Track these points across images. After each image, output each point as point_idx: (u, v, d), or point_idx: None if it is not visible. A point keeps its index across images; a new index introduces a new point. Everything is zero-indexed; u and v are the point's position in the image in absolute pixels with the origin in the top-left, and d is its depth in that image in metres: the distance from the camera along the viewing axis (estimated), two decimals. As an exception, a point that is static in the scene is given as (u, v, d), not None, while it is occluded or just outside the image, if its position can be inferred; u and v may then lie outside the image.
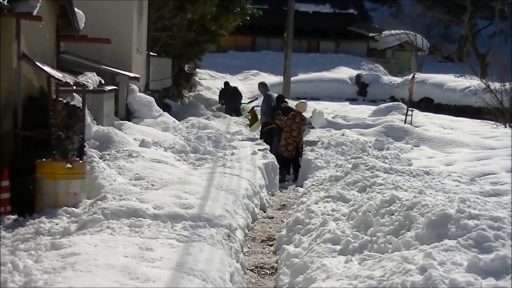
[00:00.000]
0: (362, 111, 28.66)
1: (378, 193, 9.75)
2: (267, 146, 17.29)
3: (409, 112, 23.00)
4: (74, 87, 12.03)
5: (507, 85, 25.39)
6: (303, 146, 16.93)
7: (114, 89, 16.33)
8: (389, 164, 13.36)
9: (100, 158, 11.86)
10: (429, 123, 24.12)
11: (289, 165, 16.58)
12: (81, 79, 12.44)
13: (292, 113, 16.71)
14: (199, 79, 39.13)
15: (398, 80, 40.60)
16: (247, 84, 40.78)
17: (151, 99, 19.69)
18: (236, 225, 9.36)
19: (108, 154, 12.73)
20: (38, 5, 10.20)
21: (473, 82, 30.07)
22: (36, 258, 6.70)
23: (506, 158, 13.93)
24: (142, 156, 12.80)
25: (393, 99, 34.39)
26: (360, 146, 17.04)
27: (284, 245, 8.73)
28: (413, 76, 25.28)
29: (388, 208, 8.11)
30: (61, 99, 12.05)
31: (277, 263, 8.68)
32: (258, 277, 8.37)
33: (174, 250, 7.16)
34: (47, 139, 10.56)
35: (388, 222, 7.65)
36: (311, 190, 12.02)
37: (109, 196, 9.33)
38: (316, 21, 53.66)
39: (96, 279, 5.88)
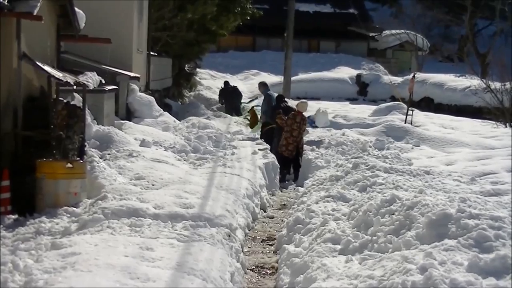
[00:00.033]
0: (363, 111, 28.64)
1: (379, 192, 9.75)
2: (268, 146, 17.29)
3: (410, 112, 22.99)
4: (75, 87, 12.04)
5: (508, 85, 25.38)
6: (304, 145, 16.93)
7: (115, 88, 16.34)
8: (390, 163, 13.36)
9: (100, 158, 11.86)
10: (429, 122, 24.10)
11: (290, 165, 16.58)
12: (82, 78, 12.44)
13: (292, 112, 16.71)
14: (200, 78, 39.13)
15: (398, 80, 40.59)
16: (248, 84, 40.78)
17: (152, 98, 19.70)
18: (237, 225, 9.36)
19: (109, 154, 12.73)
20: (39, 5, 10.20)
21: (474, 82, 30.06)
22: (36, 258, 6.70)
23: (507, 158, 13.92)
24: (142, 155, 12.81)
25: (393, 98, 34.36)
26: (360, 145, 17.04)
27: (285, 245, 8.73)
28: (414, 76, 25.29)
29: (388, 207, 8.11)
30: (62, 98, 12.05)
31: (277, 262, 8.68)
32: (259, 277, 8.37)
33: (174, 249, 7.16)
34: (47, 139, 10.56)
35: (389, 221, 7.65)
36: (311, 189, 12.02)
37: (110, 195, 9.34)
38: (317, 21, 53.67)
39: (96, 278, 5.88)
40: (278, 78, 36.02)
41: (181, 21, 26.26)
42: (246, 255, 9.09)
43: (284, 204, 13.28)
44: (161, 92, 26.18)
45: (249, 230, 10.49)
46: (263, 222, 11.52)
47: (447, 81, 37.31)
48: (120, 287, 5.78)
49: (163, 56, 27.00)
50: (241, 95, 31.87)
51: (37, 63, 10.77)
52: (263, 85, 20.66)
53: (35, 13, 10.06)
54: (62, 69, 12.48)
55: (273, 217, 11.98)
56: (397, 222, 7.48)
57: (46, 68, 10.95)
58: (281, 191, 14.90)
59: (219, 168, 13.03)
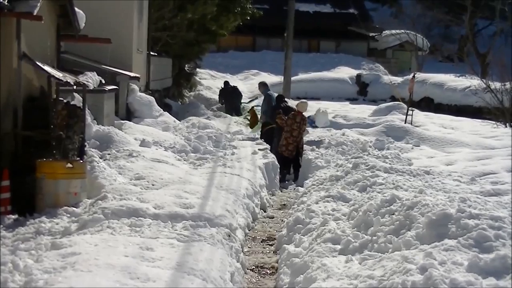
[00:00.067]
0: (363, 111, 28.64)
1: (379, 192, 9.75)
2: (268, 146, 17.30)
3: (410, 112, 23.00)
4: (75, 87, 12.04)
5: (508, 85, 25.38)
6: (304, 145, 16.93)
7: (115, 88, 16.34)
8: (390, 163, 13.36)
9: (100, 158, 11.86)
10: (429, 122, 24.10)
11: (290, 165, 16.58)
12: (82, 78, 12.44)
13: (292, 112, 16.71)
14: (200, 78, 39.14)
15: (398, 79, 40.60)
16: (248, 84, 40.78)
17: (152, 98, 19.70)
18: (237, 225, 9.36)
19: (109, 154, 12.73)
20: (39, 5, 10.20)
21: (474, 81, 30.06)
22: (36, 258, 6.70)
23: (507, 158, 13.93)
24: (142, 155, 12.81)
25: (393, 98, 34.37)
26: (360, 145, 17.04)
27: (285, 245, 8.73)
28: (414, 76, 25.29)
29: (388, 207, 8.11)
30: (62, 98, 12.05)
31: (277, 262, 8.68)
32: (259, 277, 8.37)
33: (174, 249, 7.16)
34: (47, 139, 10.56)
35: (389, 221, 7.65)
36: (311, 189, 12.02)
37: (110, 195, 9.34)
38: (317, 21, 53.68)
39: (96, 278, 5.88)
40: (278, 78, 36.02)
41: (181, 21, 26.26)
42: (246, 255, 9.10)
43: (284, 204, 13.28)
44: (161, 92, 26.18)
45: (249, 230, 10.49)
46: (263, 222, 11.52)
47: (447, 81, 37.32)
48: (120, 287, 5.78)
49: (163, 56, 27.01)
50: (241, 95, 31.86)
51: (37, 63, 10.77)
52: (263, 85, 20.66)
53: (35, 13, 10.06)
54: (62, 69, 12.48)
55: (273, 217, 11.98)
56: (397, 222, 7.48)
57: (46, 68, 10.95)
58: (281, 191, 14.90)
59: (219, 168, 13.03)
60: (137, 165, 12.00)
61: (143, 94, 19.64)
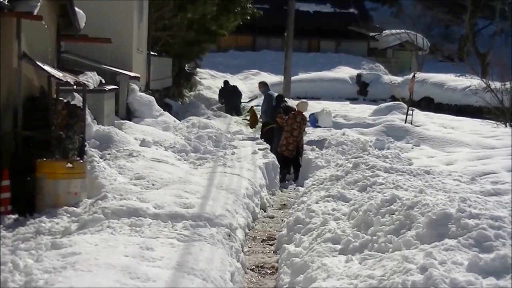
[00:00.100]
0: (363, 111, 28.64)
1: (379, 192, 9.75)
2: (268, 146, 17.30)
3: (410, 112, 22.99)
4: (75, 87, 12.04)
5: (508, 85, 25.38)
6: (304, 145, 16.94)
7: (115, 88, 16.34)
8: (390, 163, 13.36)
9: (100, 158, 11.86)
10: (429, 122, 24.09)
11: (290, 165, 16.58)
12: (82, 78, 12.44)
13: (293, 112, 16.72)
14: (200, 78, 39.14)
15: (398, 79, 40.61)
16: (248, 84, 40.80)
17: (152, 98, 19.70)
18: (237, 225, 9.36)
19: (109, 154, 12.73)
20: (39, 4, 10.20)
21: (474, 81, 30.07)
22: (36, 258, 6.70)
23: (507, 158, 13.92)
24: (142, 155, 12.81)
25: (393, 98, 34.37)
26: (360, 145, 17.03)
27: (285, 245, 8.72)
28: (414, 76, 25.28)
29: (388, 207, 8.11)
30: (62, 98, 12.05)
31: (277, 262, 8.68)
32: (259, 277, 8.37)
33: (174, 249, 7.16)
34: (48, 139, 10.56)
35: (389, 221, 7.65)
36: (311, 189, 12.02)
37: (110, 195, 9.34)
38: (317, 21, 53.70)
39: (96, 278, 5.88)
40: (278, 78, 36.02)
41: (181, 21, 26.27)
42: (246, 255, 9.10)
43: (284, 204, 13.28)
44: (161, 92, 26.18)
45: (249, 230, 10.49)
46: (263, 222, 11.52)
47: (447, 80, 37.33)
48: (120, 287, 5.78)
49: (163, 56, 27.01)
50: (241, 95, 31.87)
51: (37, 63, 10.77)
52: (263, 85, 20.66)
53: (35, 13, 10.06)
54: (62, 69, 12.49)
55: (273, 217, 11.98)
56: (397, 221, 7.48)
57: (46, 68, 10.96)
58: (281, 191, 14.90)
59: (219, 168, 13.03)
60: (137, 165, 12.00)
61: (143, 94, 19.64)
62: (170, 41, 26.71)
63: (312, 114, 21.51)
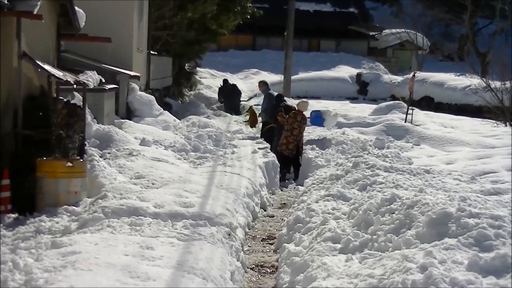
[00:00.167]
0: (363, 110, 28.66)
1: (379, 191, 9.75)
2: (268, 145, 17.30)
3: (410, 111, 23.00)
4: (75, 86, 12.04)
5: (508, 84, 25.39)
6: (303, 145, 16.94)
7: (115, 87, 16.34)
8: (390, 162, 13.35)
9: (100, 157, 11.86)
10: (429, 121, 24.12)
11: (290, 164, 16.58)
12: (82, 77, 12.43)
13: (293, 111, 16.72)
14: (200, 77, 39.14)
15: (398, 79, 40.64)
16: (248, 83, 40.80)
17: (152, 98, 19.70)
18: (237, 224, 9.36)
19: (109, 153, 12.73)
20: (39, 4, 10.20)
21: (474, 81, 30.11)
22: (36, 257, 6.70)
23: (507, 157, 13.93)
24: (142, 154, 12.81)
25: (393, 98, 34.39)
26: (360, 144, 17.03)
27: (285, 244, 8.73)
28: (414, 75, 25.29)
29: (388, 206, 8.11)
30: (62, 98, 12.05)
31: (277, 261, 8.69)
32: (259, 276, 8.38)
33: (174, 248, 7.16)
34: (48, 138, 10.56)
35: (389, 220, 7.65)
36: (311, 188, 12.01)
37: (110, 194, 9.34)
38: (317, 20, 53.71)
39: (96, 277, 5.88)
40: (278, 77, 36.03)
41: (181, 20, 26.26)
42: (246, 254, 9.10)
43: (284, 203, 13.28)
44: (161, 91, 26.18)
45: (249, 229, 10.49)
46: (263, 221, 11.52)
47: (447, 80, 37.35)
48: (120, 286, 5.78)
49: (163, 55, 27.01)
50: (241, 93, 31.86)
51: (37, 62, 10.77)
52: (263, 84, 20.64)
53: (35, 12, 10.06)
54: (62, 68, 12.49)
55: (273, 216, 11.98)
56: (397, 221, 7.48)
57: (46, 67, 10.96)
58: (281, 190, 14.90)
59: (219, 167, 13.04)
60: (137, 164, 12.00)
61: (143, 93, 19.64)
62: (170, 40, 26.71)
63: (314, 112, 21.48)
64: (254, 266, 8.72)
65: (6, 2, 9.74)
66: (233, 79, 38.29)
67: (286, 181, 15.98)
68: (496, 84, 26.14)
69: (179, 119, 20.47)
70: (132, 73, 18.76)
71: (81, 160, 10.58)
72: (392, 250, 6.78)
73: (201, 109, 26.18)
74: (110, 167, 11.33)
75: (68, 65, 14.23)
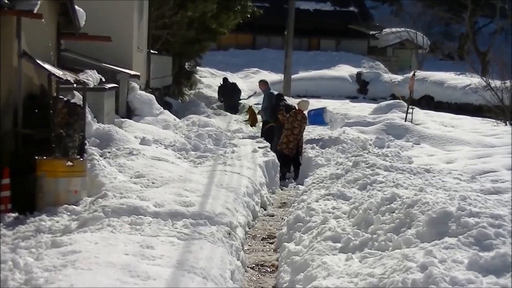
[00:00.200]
0: (363, 109, 28.66)
1: (379, 191, 9.75)
2: (268, 144, 17.30)
3: (410, 110, 23.00)
4: (75, 85, 12.03)
5: (508, 83, 25.39)
6: (303, 144, 16.95)
7: (115, 87, 16.33)
8: (390, 162, 13.35)
9: (100, 156, 11.86)
10: (429, 121, 24.12)
11: (290, 163, 16.58)
12: (82, 77, 12.43)
13: (294, 110, 16.73)
14: (200, 77, 39.14)
15: (398, 78, 40.64)
16: (248, 82, 40.80)
17: (152, 97, 19.69)
18: (237, 223, 9.36)
19: (109, 152, 12.73)
20: (39, 3, 10.19)
21: (474, 80, 30.12)
22: (36, 256, 6.71)
23: (507, 156, 13.92)
24: (142, 154, 12.81)
25: (393, 97, 34.40)
26: (360, 144, 17.04)
27: (285, 243, 8.73)
28: (414, 74, 25.30)
29: (388, 206, 8.11)
30: (62, 97, 12.04)
31: (277, 261, 8.69)
32: (259, 275, 8.38)
33: (174, 248, 7.16)
34: (48, 137, 10.55)
35: (389, 220, 7.65)
36: (311, 188, 12.02)
37: (110, 194, 9.34)
38: (317, 19, 53.72)
39: (96, 277, 5.88)
40: (279, 76, 36.05)
41: (181, 19, 26.25)
42: (247, 253, 9.10)
43: (284, 202, 13.28)
44: (161, 90, 26.18)
45: (249, 228, 10.49)
46: (263, 220, 11.52)
47: (447, 79, 37.36)
48: (120, 286, 5.77)
49: (163, 54, 27.00)
50: (240, 92, 31.83)
51: (37, 61, 10.76)
52: (264, 83, 20.63)
53: (35, 11, 10.05)
54: (62, 67, 12.48)
55: (273, 215, 11.99)
56: (397, 220, 7.48)
57: (46, 66, 10.95)
58: (281, 189, 14.90)
59: (219, 166, 13.04)
60: (137, 163, 12.00)
61: (143, 92, 19.63)
62: (170, 40, 26.70)
63: (314, 110, 21.45)
64: (254, 265, 8.73)
65: (6, 1, 9.74)
66: (233, 78, 38.27)
67: (286, 180, 15.99)
68: (496, 83, 26.13)
69: (179, 118, 20.47)
70: (132, 72, 18.75)
71: (81, 159, 10.58)
72: (392, 249, 6.78)
73: (201, 108, 26.17)
74: (110, 166, 11.33)
75: (68, 64, 14.22)
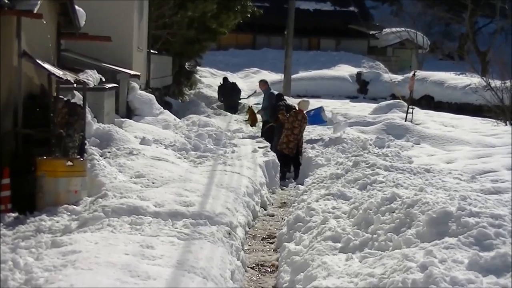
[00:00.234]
0: (363, 109, 28.65)
1: (379, 190, 9.75)
2: (268, 144, 17.31)
3: (410, 110, 22.98)
4: (75, 85, 12.03)
5: (508, 83, 25.38)
6: (303, 144, 16.95)
7: (115, 87, 16.33)
8: (390, 161, 13.35)
9: (100, 156, 11.86)
10: (429, 120, 24.10)
11: (290, 163, 16.59)
12: (82, 77, 12.43)
13: (294, 110, 16.73)
14: (200, 76, 39.14)
15: (398, 78, 40.63)
16: (248, 82, 40.79)
17: (152, 97, 19.69)
18: (237, 223, 9.36)
19: (109, 152, 12.73)
20: (39, 3, 10.19)
21: (474, 80, 30.10)
22: (36, 256, 6.71)
23: (507, 156, 13.91)
24: (142, 154, 12.81)
25: (393, 97, 34.38)
26: (360, 143, 17.02)
27: (285, 243, 8.73)
28: (414, 74, 25.27)
29: (388, 205, 8.11)
30: (62, 97, 12.04)
31: (277, 260, 8.69)
32: (259, 275, 8.38)
33: (175, 247, 7.16)
34: (48, 137, 10.56)
35: (389, 219, 7.65)
36: (311, 188, 12.02)
37: (110, 193, 9.34)
38: (317, 19, 53.70)
39: (96, 276, 5.88)
40: (279, 76, 36.05)
41: (182, 19, 26.25)
42: (247, 253, 9.10)
43: (285, 202, 13.28)
44: (162, 90, 26.18)
45: (249, 228, 10.49)
46: (264, 220, 11.52)
47: (448, 79, 37.35)
48: (120, 285, 5.77)
49: (163, 54, 27.00)
50: (240, 92, 31.82)
51: (38, 61, 10.76)
52: (264, 83, 20.64)
53: (35, 11, 10.05)
54: (62, 67, 12.48)
55: (273, 215, 11.99)
56: (398, 220, 7.48)
57: (47, 66, 10.95)
58: (282, 189, 14.90)
59: (219, 166, 13.04)
60: (137, 163, 12.00)
61: (143, 92, 19.63)
62: (170, 40, 26.70)
63: (313, 110, 21.45)
64: (254, 265, 8.73)
65: (6, 1, 9.74)
66: (233, 78, 38.26)
67: (286, 180, 15.99)
68: (496, 83, 26.12)
69: (179, 118, 20.47)
70: (132, 72, 18.75)
71: (81, 159, 10.58)
72: (392, 249, 6.78)
73: (201, 108, 26.17)
74: (110, 166, 11.34)
75: (68, 64, 14.22)
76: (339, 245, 7.56)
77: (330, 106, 28.91)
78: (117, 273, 6.01)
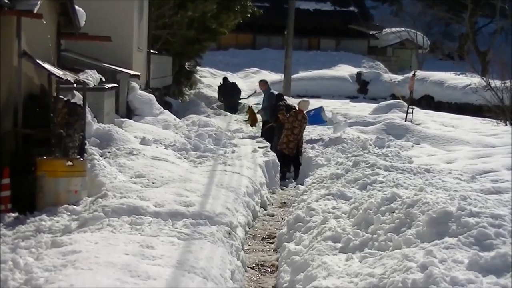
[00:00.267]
0: (363, 109, 28.65)
1: (379, 190, 9.75)
2: (268, 144, 17.30)
3: (410, 110, 22.98)
4: (75, 85, 12.03)
5: (508, 83, 25.37)
6: (303, 144, 16.94)
7: (115, 87, 16.33)
8: (390, 161, 13.35)
9: (100, 156, 11.86)
10: (429, 120, 24.10)
11: (290, 163, 16.58)
12: (82, 77, 12.43)
13: (294, 110, 16.73)
14: (200, 76, 39.14)
15: (398, 78, 40.63)
16: (248, 82, 40.78)
17: (152, 97, 19.69)
18: (237, 223, 9.36)
19: (109, 152, 12.73)
20: (39, 3, 10.19)
21: (474, 80, 30.09)
22: (36, 256, 6.71)
23: (507, 156, 13.91)
24: (142, 154, 12.81)
25: (393, 97, 34.38)
26: (360, 143, 17.03)
27: (285, 243, 8.73)
28: (414, 74, 25.27)
29: (388, 205, 8.11)
30: (62, 97, 12.04)
31: (277, 260, 8.69)
32: (259, 275, 8.38)
33: (175, 247, 7.16)
34: (48, 137, 10.56)
35: (389, 219, 7.65)
36: (311, 188, 12.02)
37: (110, 193, 9.34)
38: (317, 19, 53.71)
39: (96, 276, 5.88)
40: (279, 76, 36.05)
41: (182, 19, 26.25)
42: (247, 253, 9.10)
43: (285, 202, 13.28)
44: (162, 90, 26.17)
45: (249, 228, 10.49)
46: (264, 220, 11.52)
47: (448, 79, 37.35)
48: (120, 285, 5.77)
49: (163, 54, 27.00)
50: (240, 92, 31.82)
51: (38, 61, 10.76)
52: (264, 83, 20.64)
53: (35, 11, 10.06)
54: (62, 67, 12.48)
55: (273, 215, 11.99)
56: (398, 220, 7.48)
57: (47, 66, 10.95)
58: (282, 189, 14.90)
59: (219, 166, 13.04)
60: (137, 163, 12.00)
61: (143, 92, 19.63)
62: (170, 40, 26.70)
63: (313, 110, 21.44)
64: (254, 265, 8.73)
65: (6, 1, 9.74)
66: (233, 78, 38.26)
67: (286, 180, 15.99)
68: (496, 83, 26.12)
69: (179, 118, 20.47)
70: (132, 72, 18.75)
71: (81, 159, 10.58)
72: (393, 249, 6.78)
73: (201, 108, 26.17)
74: (110, 166, 11.34)
75: (68, 64, 14.23)
76: (339, 245, 7.56)
77: (330, 106, 28.89)
78: (117, 273, 6.01)
